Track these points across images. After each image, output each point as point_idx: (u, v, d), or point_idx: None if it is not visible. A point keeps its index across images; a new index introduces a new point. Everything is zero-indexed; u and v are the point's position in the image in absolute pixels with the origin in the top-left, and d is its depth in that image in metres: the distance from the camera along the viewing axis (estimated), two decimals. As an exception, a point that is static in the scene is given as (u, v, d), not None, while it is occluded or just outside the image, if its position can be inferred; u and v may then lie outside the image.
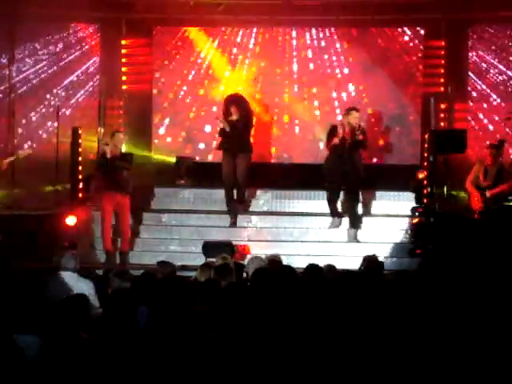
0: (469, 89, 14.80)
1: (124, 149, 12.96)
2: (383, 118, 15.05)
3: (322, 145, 15.14)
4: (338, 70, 15.17)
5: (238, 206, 12.74)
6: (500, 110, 14.62)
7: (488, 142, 13.36)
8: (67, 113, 14.82)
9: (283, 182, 14.26)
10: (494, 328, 5.13)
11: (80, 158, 12.98)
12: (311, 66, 15.22)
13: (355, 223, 12.29)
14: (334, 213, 12.43)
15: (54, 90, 14.97)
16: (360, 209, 12.60)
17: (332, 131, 12.36)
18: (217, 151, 13.45)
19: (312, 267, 7.60)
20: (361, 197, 12.65)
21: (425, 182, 13.11)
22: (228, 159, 12.64)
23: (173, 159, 14.85)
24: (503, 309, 5.61)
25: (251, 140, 13.18)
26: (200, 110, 15.36)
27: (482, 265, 9.74)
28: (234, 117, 12.63)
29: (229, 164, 12.60)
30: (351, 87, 15.14)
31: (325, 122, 15.04)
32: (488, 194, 12.19)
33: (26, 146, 14.49)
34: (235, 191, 12.72)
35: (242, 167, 12.58)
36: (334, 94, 15.18)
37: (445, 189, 13.02)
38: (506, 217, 11.74)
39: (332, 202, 12.39)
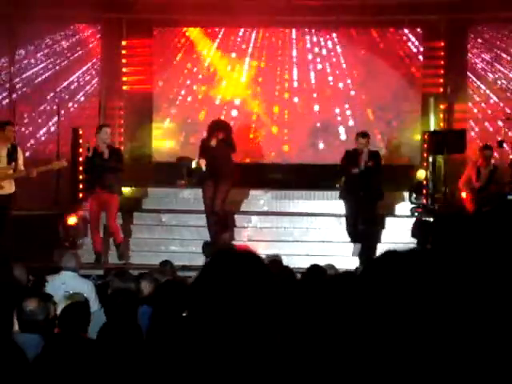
0: (468, 89, 14.80)
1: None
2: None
3: (321, 145, 15.20)
4: (337, 70, 15.18)
5: (222, 235, 12.23)
6: (499, 110, 14.63)
7: (488, 143, 13.37)
8: (67, 113, 14.82)
9: (283, 181, 14.25)
10: (494, 329, 5.13)
11: (80, 158, 12.98)
12: (311, 65, 15.22)
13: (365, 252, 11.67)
14: (353, 237, 11.93)
15: (55, 91, 14.96)
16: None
17: (346, 157, 12.08)
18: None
19: (314, 268, 7.54)
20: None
21: (424, 182, 13.13)
22: (209, 183, 12.16)
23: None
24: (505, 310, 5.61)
25: (233, 166, 12.35)
26: (200, 110, 15.36)
27: (481, 265, 9.73)
28: (212, 142, 12.06)
29: (209, 189, 12.14)
30: (351, 87, 15.14)
31: (324, 121, 15.07)
32: (480, 195, 12.20)
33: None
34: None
35: (223, 190, 12.07)
36: (334, 94, 15.19)
37: (445, 189, 13.03)
38: (500, 217, 11.73)
39: (352, 225, 11.88)
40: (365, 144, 12.00)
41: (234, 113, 15.23)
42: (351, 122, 15.04)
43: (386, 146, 14.96)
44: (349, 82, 15.15)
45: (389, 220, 12.72)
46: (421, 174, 13.34)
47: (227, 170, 12.09)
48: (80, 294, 6.50)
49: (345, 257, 11.46)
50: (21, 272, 7.71)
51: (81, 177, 12.89)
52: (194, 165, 14.40)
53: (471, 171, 12.51)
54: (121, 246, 11.98)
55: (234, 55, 15.35)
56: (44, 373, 3.89)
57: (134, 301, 5.63)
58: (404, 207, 13.03)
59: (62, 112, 14.27)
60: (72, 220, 12.34)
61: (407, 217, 12.73)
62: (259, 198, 13.53)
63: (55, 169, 11.79)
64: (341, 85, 15.18)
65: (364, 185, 11.76)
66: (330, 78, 15.19)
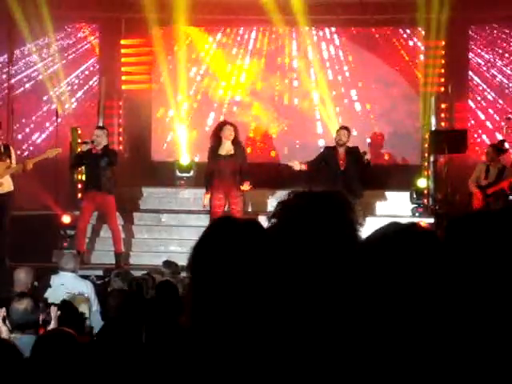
0: (469, 89, 14.78)
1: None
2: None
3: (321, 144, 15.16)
4: (337, 69, 15.15)
5: None
6: (500, 109, 14.60)
7: (489, 143, 13.34)
8: (66, 113, 14.79)
9: (290, 182, 14.14)
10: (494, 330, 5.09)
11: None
12: (311, 64, 15.20)
13: None
14: None
15: (54, 90, 14.91)
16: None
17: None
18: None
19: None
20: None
21: (425, 182, 13.10)
22: (219, 198, 11.47)
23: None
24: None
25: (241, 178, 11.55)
26: (199, 110, 15.33)
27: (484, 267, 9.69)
28: (226, 150, 11.51)
29: (220, 204, 11.47)
30: (350, 86, 15.12)
31: (324, 121, 15.05)
32: (488, 191, 12.18)
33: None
34: None
35: (238, 209, 11.48)
36: (334, 93, 15.17)
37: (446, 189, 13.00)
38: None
39: None
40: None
41: (234, 112, 15.19)
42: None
43: (386, 146, 14.93)
44: (349, 80, 15.12)
45: (389, 220, 12.65)
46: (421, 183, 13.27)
47: (237, 183, 11.53)
48: (82, 295, 6.49)
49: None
50: (26, 274, 7.69)
51: (79, 177, 12.87)
52: (185, 162, 14.36)
53: (480, 169, 12.48)
54: (120, 256, 11.78)
55: (233, 55, 15.33)
56: (39, 374, 3.86)
57: (131, 301, 5.60)
58: (404, 207, 12.99)
59: (61, 111, 14.25)
60: (66, 219, 12.29)
61: (407, 217, 12.69)
62: (266, 198, 13.36)
63: (50, 156, 11.80)
64: (340, 84, 15.16)
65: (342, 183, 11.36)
66: (330, 77, 15.16)
